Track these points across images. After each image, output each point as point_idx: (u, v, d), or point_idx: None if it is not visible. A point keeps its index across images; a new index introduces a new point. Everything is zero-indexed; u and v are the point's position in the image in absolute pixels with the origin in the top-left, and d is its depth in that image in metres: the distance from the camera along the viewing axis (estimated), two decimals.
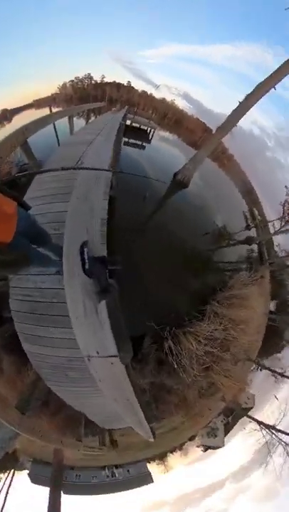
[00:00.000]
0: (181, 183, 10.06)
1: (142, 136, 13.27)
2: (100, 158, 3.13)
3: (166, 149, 15.20)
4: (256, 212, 29.85)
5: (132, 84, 27.82)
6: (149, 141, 13.48)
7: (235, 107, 7.90)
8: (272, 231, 13.89)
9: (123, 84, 27.23)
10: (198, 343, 3.65)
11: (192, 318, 4.34)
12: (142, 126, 13.92)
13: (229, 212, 16.43)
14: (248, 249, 15.92)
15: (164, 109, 28.26)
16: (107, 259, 1.50)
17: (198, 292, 5.71)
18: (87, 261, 1.42)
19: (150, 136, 14.02)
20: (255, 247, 17.87)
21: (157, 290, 4.58)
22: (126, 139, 10.61)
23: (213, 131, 9.50)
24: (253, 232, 19.70)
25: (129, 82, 27.59)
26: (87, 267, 1.41)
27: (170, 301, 4.67)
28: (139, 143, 11.85)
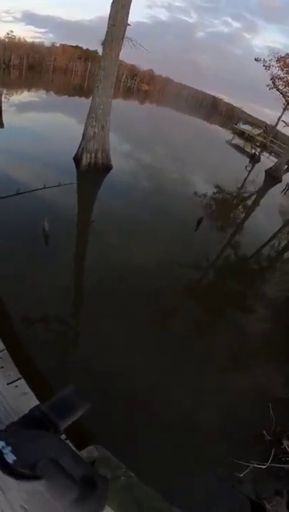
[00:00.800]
0: (94, 167, 10.59)
1: None
2: None
3: (38, 123, 16.05)
4: (245, 126, 33.93)
5: None
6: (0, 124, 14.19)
7: None
8: (287, 132, 15.77)
9: None
10: None
11: None
12: None
13: (205, 160, 17.72)
14: (284, 188, 17.38)
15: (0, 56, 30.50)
16: (45, 411, 1.36)
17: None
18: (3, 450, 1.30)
19: None
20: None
21: (205, 405, 4.17)
22: None
23: (99, 52, 10.64)
24: (268, 160, 21.95)
25: None
26: (10, 459, 1.28)
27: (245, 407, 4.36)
28: None
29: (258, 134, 30.21)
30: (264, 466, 3.42)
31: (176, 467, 3.33)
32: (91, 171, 10.40)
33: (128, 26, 9.41)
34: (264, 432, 3.84)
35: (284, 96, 16.18)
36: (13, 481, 1.28)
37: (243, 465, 3.37)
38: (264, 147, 27.30)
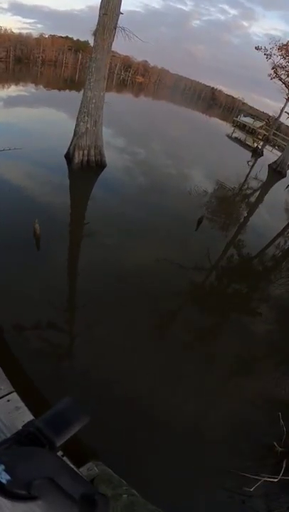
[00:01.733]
0: (87, 165, 10.62)
1: None
2: None
3: (26, 119, 16.10)
4: (246, 119, 34.17)
5: None
6: None
7: None
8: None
9: None
10: None
11: None
12: None
13: (205, 155, 17.83)
14: None
15: None
16: (40, 426, 1.30)
17: None
18: None
19: None
20: None
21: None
22: None
23: (90, 43, 10.59)
24: (271, 154, 22.00)
25: None
26: (4, 478, 1.20)
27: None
28: None
29: (260, 127, 30.23)
30: (276, 479, 3.38)
31: (181, 482, 3.27)
32: (84, 168, 10.35)
33: (120, 15, 9.40)
34: (275, 443, 3.80)
35: (287, 86, 16.14)
36: (6, 503, 1.22)
37: (253, 478, 3.33)
38: (267, 140, 27.36)
